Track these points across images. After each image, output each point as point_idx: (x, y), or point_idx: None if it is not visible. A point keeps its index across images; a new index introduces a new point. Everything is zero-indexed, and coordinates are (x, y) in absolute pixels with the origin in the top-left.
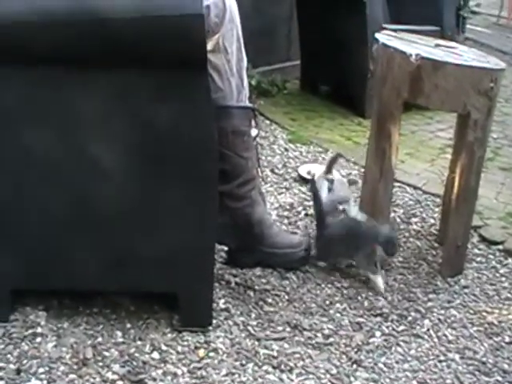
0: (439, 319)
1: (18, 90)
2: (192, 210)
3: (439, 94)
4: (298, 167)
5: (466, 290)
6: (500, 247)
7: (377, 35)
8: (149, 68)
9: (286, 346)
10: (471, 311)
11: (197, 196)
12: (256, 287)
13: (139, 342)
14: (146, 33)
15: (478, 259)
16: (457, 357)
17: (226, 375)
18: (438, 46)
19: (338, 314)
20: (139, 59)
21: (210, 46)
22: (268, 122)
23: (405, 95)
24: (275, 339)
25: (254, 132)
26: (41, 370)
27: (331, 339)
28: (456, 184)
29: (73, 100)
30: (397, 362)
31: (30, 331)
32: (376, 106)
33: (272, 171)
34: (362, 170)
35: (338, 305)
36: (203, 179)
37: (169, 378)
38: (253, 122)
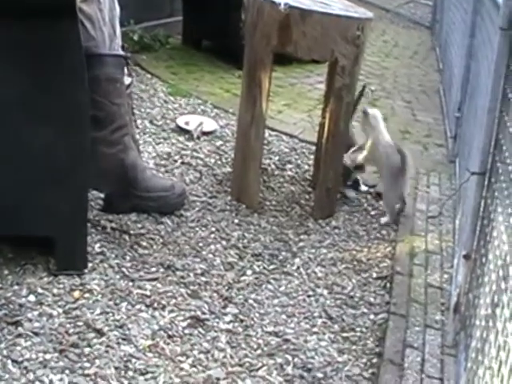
0: (309, 258)
1: None
2: (63, 155)
3: (307, 41)
4: (176, 118)
5: (337, 231)
6: (371, 191)
7: None
8: (17, 17)
9: (158, 285)
10: (341, 250)
11: (67, 140)
12: (131, 231)
13: (16, 287)
14: None
15: (350, 202)
16: (325, 292)
17: (101, 314)
18: None
19: (211, 255)
20: (6, 9)
21: None
22: (149, 75)
23: (274, 43)
24: (148, 279)
25: (127, 80)
26: None
27: (203, 278)
28: (326, 129)
29: None
30: (267, 298)
31: None
32: (247, 54)
33: (151, 122)
34: None
35: (211, 246)
36: (73, 124)
37: (44, 318)
38: (126, 71)
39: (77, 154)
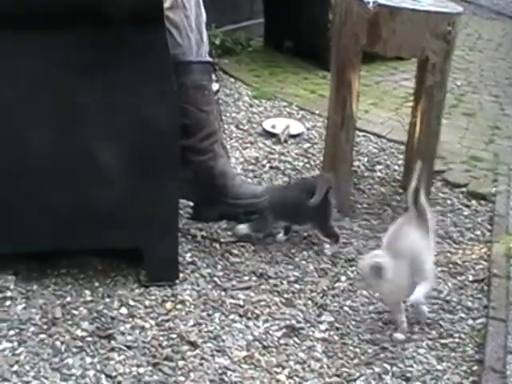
0: None
1: None
2: (152, 164)
3: (396, 39)
4: (262, 122)
5: None
6: (464, 190)
7: None
8: (105, 26)
9: (252, 294)
10: (436, 253)
11: (156, 148)
12: (222, 240)
13: (107, 299)
14: None
15: (442, 202)
16: None
17: (194, 325)
18: None
19: (304, 262)
20: (95, 17)
21: (168, 3)
22: (232, 79)
23: (363, 42)
24: (241, 288)
25: (215, 86)
26: (11, 332)
27: (296, 286)
28: (417, 128)
29: (30, 57)
30: (362, 305)
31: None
32: (335, 55)
33: (237, 127)
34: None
35: (303, 252)
36: (163, 132)
37: (137, 331)
38: (213, 77)
39: (166, 162)
